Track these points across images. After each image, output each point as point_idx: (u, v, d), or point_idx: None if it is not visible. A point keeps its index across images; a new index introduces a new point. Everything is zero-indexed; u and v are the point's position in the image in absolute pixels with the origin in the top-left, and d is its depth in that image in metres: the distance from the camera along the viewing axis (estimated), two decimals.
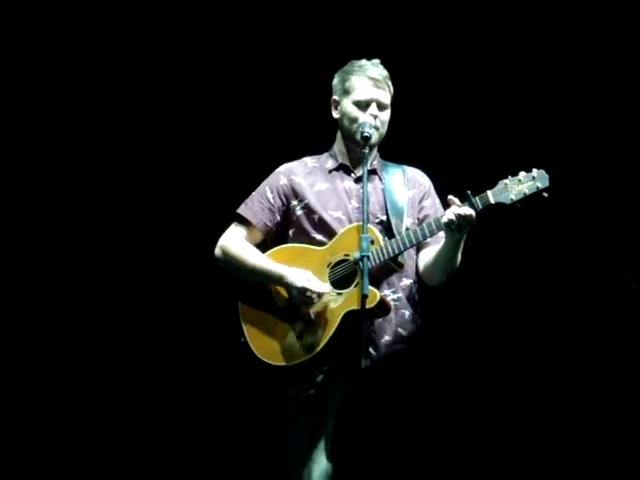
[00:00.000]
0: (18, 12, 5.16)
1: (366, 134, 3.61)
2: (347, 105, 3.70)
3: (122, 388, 5.26)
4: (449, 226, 3.43)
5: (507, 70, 5.09)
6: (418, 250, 3.71)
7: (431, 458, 3.80)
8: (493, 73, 5.11)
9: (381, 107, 3.68)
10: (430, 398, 3.72)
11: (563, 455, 5.04)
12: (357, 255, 3.45)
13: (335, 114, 3.76)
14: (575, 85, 5.06)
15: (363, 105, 3.67)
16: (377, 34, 4.96)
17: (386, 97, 3.70)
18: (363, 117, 3.65)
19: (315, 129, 4.08)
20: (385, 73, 3.71)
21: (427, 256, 3.68)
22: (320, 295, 3.53)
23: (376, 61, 3.74)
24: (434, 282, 3.70)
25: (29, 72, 5.23)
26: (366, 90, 3.67)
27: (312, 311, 3.56)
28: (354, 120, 3.67)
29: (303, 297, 3.54)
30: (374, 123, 3.64)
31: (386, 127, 3.71)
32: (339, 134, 3.79)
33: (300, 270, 3.58)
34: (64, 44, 5.21)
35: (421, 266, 3.70)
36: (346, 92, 3.71)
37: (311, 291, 3.53)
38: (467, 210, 3.40)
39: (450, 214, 3.42)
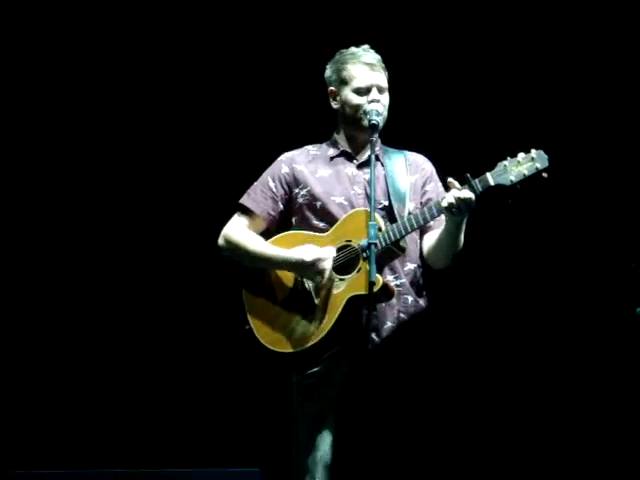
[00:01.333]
0: (18, 12, 5.19)
1: (374, 121, 3.61)
2: (347, 94, 3.70)
3: (126, 376, 5.30)
4: (449, 209, 3.43)
5: (504, 54, 5.10)
6: (421, 234, 3.71)
7: (432, 446, 3.79)
8: (490, 57, 5.11)
9: (381, 90, 3.68)
10: (433, 384, 3.72)
11: (561, 448, 5.05)
12: (364, 242, 3.47)
13: (334, 105, 3.77)
14: (574, 67, 5.06)
15: (363, 91, 3.67)
16: (374, 22, 4.97)
17: (383, 80, 3.71)
18: (366, 103, 3.66)
19: (315, 119, 4.09)
20: (378, 57, 3.73)
21: (430, 240, 3.68)
22: (329, 259, 3.53)
23: (366, 46, 3.75)
24: (439, 265, 3.70)
25: (29, 72, 5.26)
26: (364, 76, 3.68)
27: (316, 297, 3.57)
28: (357, 108, 3.68)
29: (315, 268, 3.53)
30: (380, 110, 3.65)
31: (387, 110, 3.71)
32: (340, 123, 3.80)
33: (302, 247, 3.60)
34: (64, 44, 5.24)
35: (425, 250, 3.70)
36: (344, 82, 3.71)
37: (320, 259, 3.53)
38: (467, 193, 3.40)
39: (450, 197, 3.42)
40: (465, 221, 3.53)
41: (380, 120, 3.65)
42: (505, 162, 3.41)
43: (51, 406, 5.28)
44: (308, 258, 3.55)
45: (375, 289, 3.45)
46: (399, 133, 3.83)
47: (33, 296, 5.32)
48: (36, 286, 5.33)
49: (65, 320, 5.33)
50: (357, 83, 3.69)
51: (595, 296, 5.07)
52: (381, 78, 3.70)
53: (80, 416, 5.28)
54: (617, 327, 4.94)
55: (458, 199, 3.40)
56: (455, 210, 3.42)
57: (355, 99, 3.69)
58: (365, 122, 3.65)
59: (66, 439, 5.23)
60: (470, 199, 3.40)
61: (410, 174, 3.74)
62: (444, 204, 3.44)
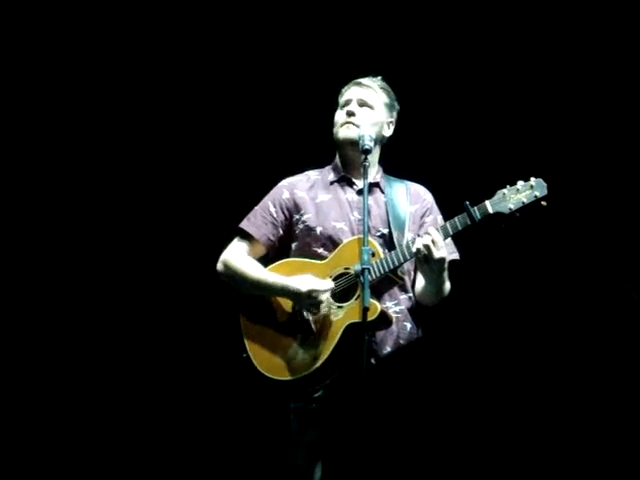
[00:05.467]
0: (18, 12, 5.18)
1: (367, 147, 3.59)
2: (336, 113, 3.77)
3: (124, 401, 5.27)
4: (416, 255, 3.44)
5: (503, 79, 5.12)
6: (416, 268, 3.69)
7: (431, 468, 3.76)
8: (489, 83, 5.14)
9: (363, 104, 3.71)
10: (432, 409, 3.69)
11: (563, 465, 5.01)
12: (358, 268, 3.44)
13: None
14: (571, 94, 5.08)
15: (343, 105, 3.74)
16: (376, 51, 5.02)
17: (370, 96, 3.73)
18: (343, 116, 3.69)
19: (319, 144, 4.08)
20: (379, 82, 3.76)
21: (420, 279, 3.68)
22: (326, 292, 3.52)
23: (378, 78, 3.79)
24: (427, 304, 3.70)
25: (29, 73, 5.25)
26: (348, 92, 3.76)
27: (314, 324, 3.55)
28: (335, 123, 3.74)
29: (310, 300, 3.52)
30: (351, 127, 3.65)
31: (369, 124, 3.68)
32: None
33: (300, 277, 3.58)
34: (64, 44, 5.23)
35: (416, 286, 3.70)
36: (337, 104, 3.79)
37: (317, 291, 3.52)
38: (426, 240, 3.41)
39: (419, 242, 3.43)
40: (445, 274, 3.53)
41: (364, 140, 3.58)
42: (504, 190, 3.41)
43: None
44: (304, 289, 3.53)
45: (373, 317, 3.44)
46: (400, 161, 3.84)
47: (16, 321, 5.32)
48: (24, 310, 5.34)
49: (60, 348, 5.32)
50: (341, 100, 3.77)
51: (590, 323, 5.05)
52: (366, 94, 3.73)
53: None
54: (612, 356, 4.93)
55: (424, 246, 3.41)
56: (421, 256, 3.42)
57: (337, 114, 3.75)
58: (339, 135, 3.69)
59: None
60: (427, 247, 3.39)
61: (411, 204, 3.74)
62: (413, 249, 3.45)
